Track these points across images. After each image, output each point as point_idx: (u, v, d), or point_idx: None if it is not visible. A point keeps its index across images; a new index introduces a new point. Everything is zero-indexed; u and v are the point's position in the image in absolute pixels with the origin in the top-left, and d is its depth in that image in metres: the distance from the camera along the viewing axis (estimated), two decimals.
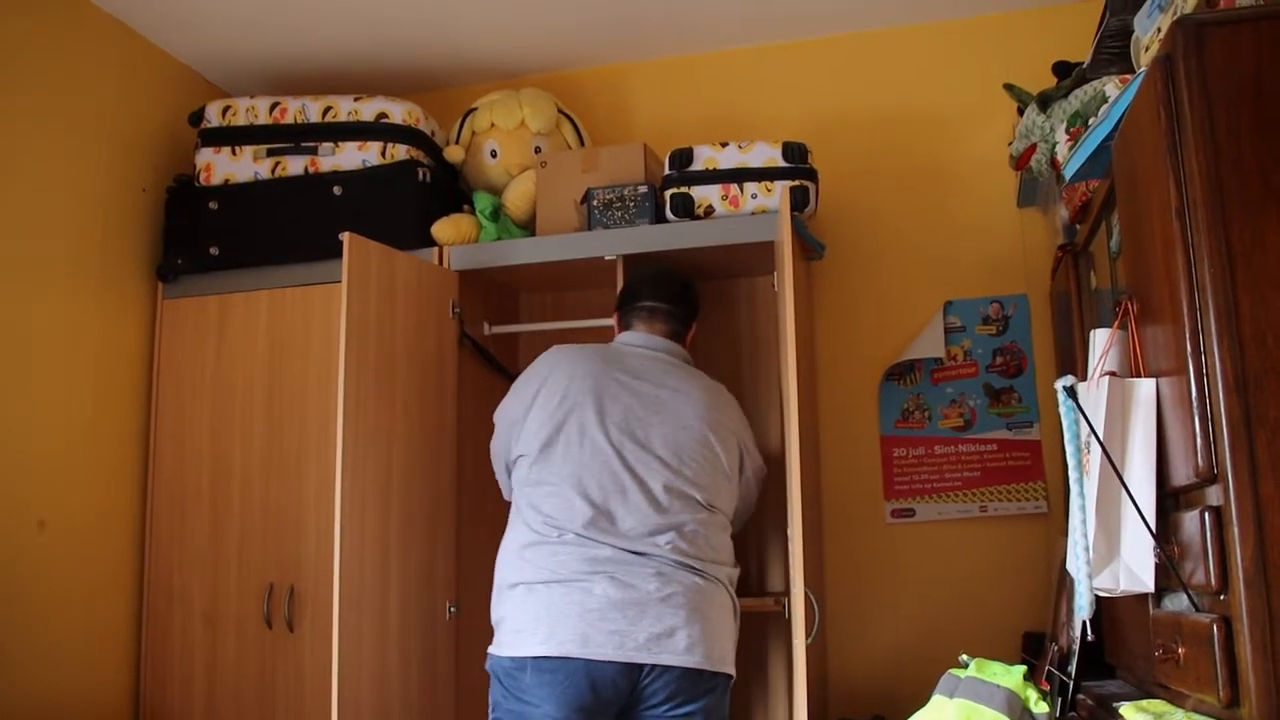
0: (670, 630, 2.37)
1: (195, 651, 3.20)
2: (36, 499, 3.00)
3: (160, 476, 3.33)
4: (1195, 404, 1.59)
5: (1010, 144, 2.85)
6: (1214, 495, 1.58)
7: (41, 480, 3.02)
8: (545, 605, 2.38)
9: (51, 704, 2.96)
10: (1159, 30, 1.90)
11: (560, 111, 3.50)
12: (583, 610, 2.35)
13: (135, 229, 3.42)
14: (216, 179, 3.41)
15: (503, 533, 2.60)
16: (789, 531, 2.68)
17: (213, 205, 3.40)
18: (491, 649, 2.48)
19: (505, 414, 2.72)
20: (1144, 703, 1.76)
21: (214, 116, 3.45)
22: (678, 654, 2.36)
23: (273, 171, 3.39)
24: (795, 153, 3.07)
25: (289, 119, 3.41)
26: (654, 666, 2.35)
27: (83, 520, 3.14)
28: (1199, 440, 1.59)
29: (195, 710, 3.17)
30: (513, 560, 2.50)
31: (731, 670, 2.48)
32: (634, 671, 2.34)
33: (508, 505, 2.80)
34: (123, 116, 3.38)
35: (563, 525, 2.45)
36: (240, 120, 3.43)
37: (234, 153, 3.42)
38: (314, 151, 3.37)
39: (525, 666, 2.35)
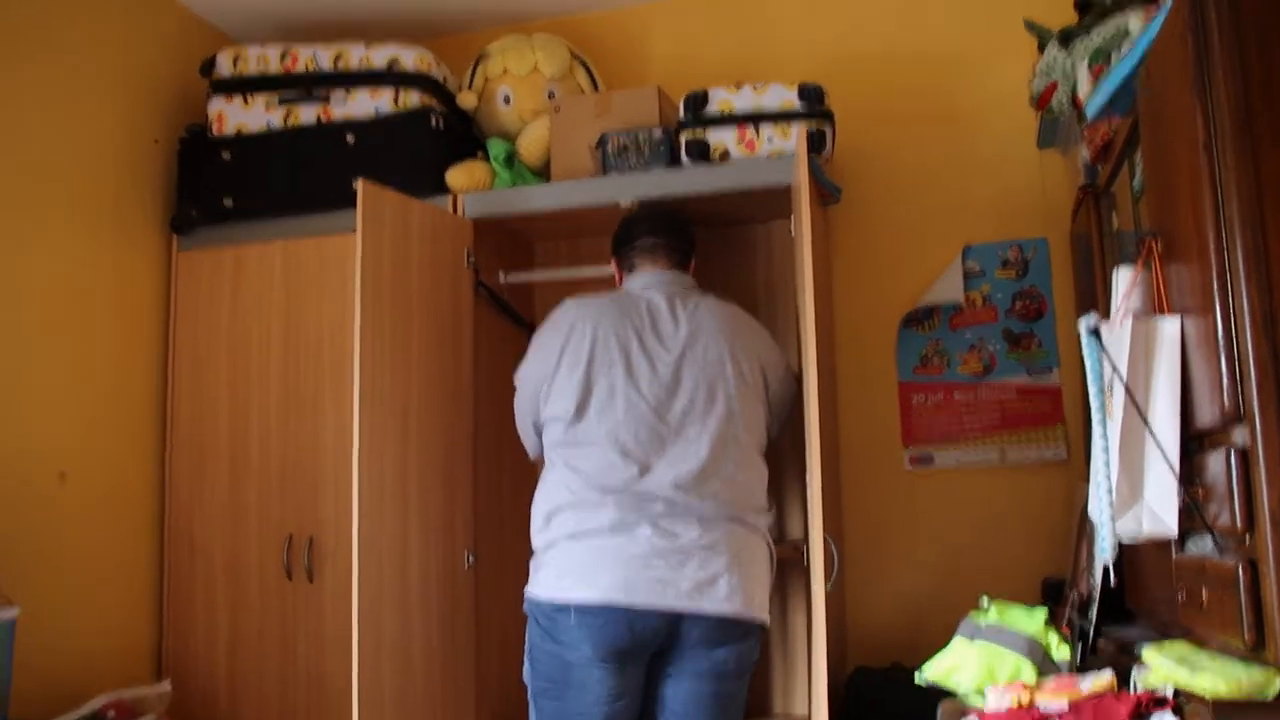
0: (713, 578, 2.37)
1: (217, 602, 3.22)
2: (57, 452, 3.01)
3: (179, 428, 3.34)
4: (1221, 343, 1.56)
5: (1031, 82, 2.79)
6: (1240, 436, 1.56)
7: (61, 433, 3.03)
8: (589, 551, 2.38)
9: (75, 654, 2.99)
10: None
11: (573, 56, 3.45)
12: (627, 557, 2.35)
13: (149, 180, 3.40)
14: (229, 129, 3.39)
15: (521, 482, 2.61)
16: (808, 479, 2.66)
17: (226, 155, 3.38)
18: (531, 590, 2.48)
19: (529, 375, 2.67)
20: (1166, 644, 1.74)
21: (225, 66, 3.42)
22: (718, 601, 2.37)
23: (285, 120, 3.36)
24: (811, 94, 3.01)
25: (300, 67, 3.37)
26: (695, 613, 2.35)
27: (103, 472, 3.15)
28: (1225, 380, 1.56)
29: (217, 659, 3.20)
30: (553, 514, 2.48)
31: (766, 619, 2.50)
32: (675, 618, 2.35)
33: (524, 453, 2.80)
34: (133, 66, 3.36)
35: (604, 485, 2.43)
36: (251, 69, 3.40)
37: (245, 102, 3.39)
38: (326, 100, 3.34)
39: (568, 611, 2.36)
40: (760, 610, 2.46)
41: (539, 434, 2.66)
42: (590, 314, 2.61)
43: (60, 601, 2.95)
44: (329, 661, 3.05)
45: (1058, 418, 3.20)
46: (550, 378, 2.58)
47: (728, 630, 2.39)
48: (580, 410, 2.51)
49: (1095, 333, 1.80)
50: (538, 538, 2.51)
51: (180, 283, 3.40)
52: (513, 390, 2.77)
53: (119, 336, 3.25)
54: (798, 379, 2.75)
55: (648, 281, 2.73)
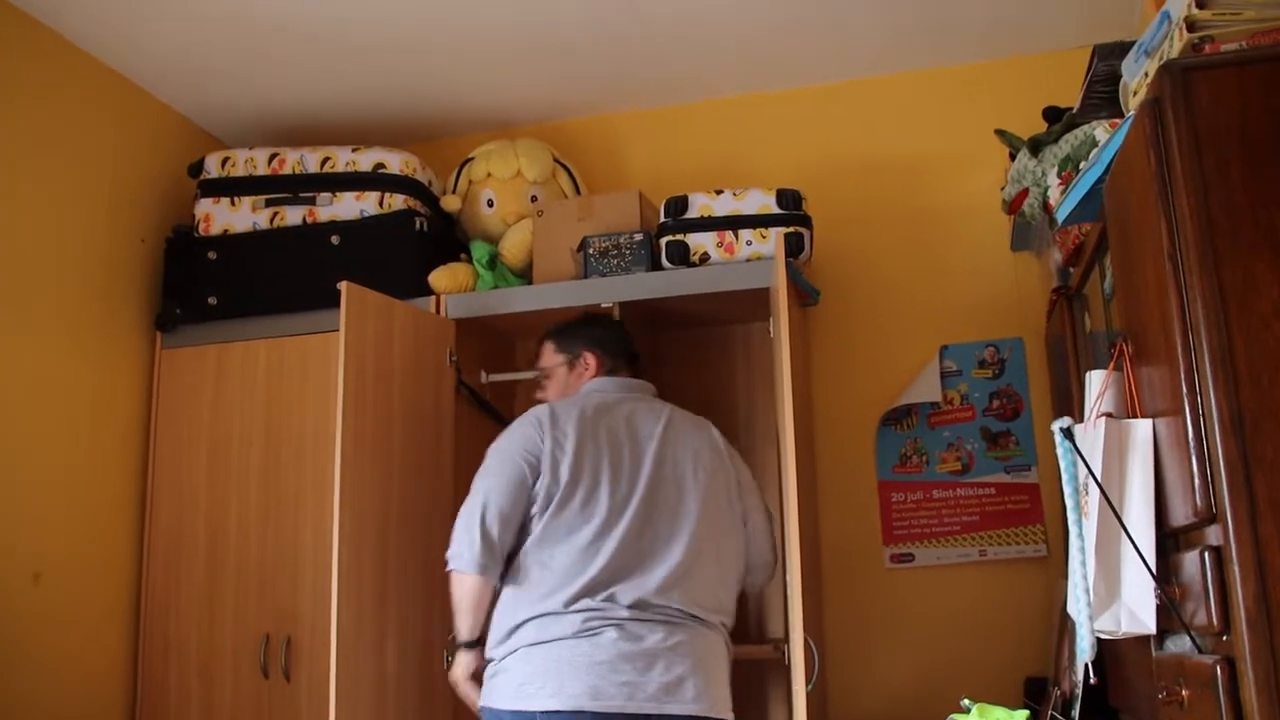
0: (679, 680, 2.35)
1: (191, 703, 3.17)
2: (32, 552, 2.98)
3: (157, 528, 3.32)
4: (1192, 444, 1.60)
5: (1003, 189, 2.87)
6: (1213, 535, 1.58)
7: (37, 532, 3.00)
8: (553, 658, 2.34)
9: None
10: (1146, 75, 1.92)
11: (556, 161, 3.52)
12: (591, 662, 2.32)
13: (134, 279, 3.43)
14: (215, 229, 3.44)
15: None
16: (787, 578, 2.67)
17: (211, 255, 3.42)
18: (489, 702, 2.41)
19: (508, 471, 2.52)
20: None
21: (213, 168, 3.48)
22: (685, 703, 2.34)
23: (271, 221, 3.41)
24: (789, 199, 3.09)
25: (287, 169, 3.43)
26: (663, 716, 2.32)
27: (78, 572, 3.13)
28: (1197, 480, 1.59)
29: None
30: (519, 619, 2.42)
31: (730, 715, 2.46)
32: None
33: None
34: (122, 167, 3.41)
35: (573, 588, 2.39)
36: (239, 171, 3.46)
37: (233, 203, 3.44)
38: (312, 202, 3.40)
39: None
40: (725, 709, 2.44)
41: (499, 535, 2.47)
42: (571, 416, 2.58)
43: (33, 702, 2.90)
44: None
45: (1037, 515, 3.22)
46: (531, 477, 2.51)
47: None
48: (560, 507, 2.47)
49: (1068, 434, 1.84)
50: (497, 648, 2.45)
51: (163, 380, 3.42)
52: None
53: (99, 432, 3.24)
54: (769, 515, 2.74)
55: (627, 388, 2.74)
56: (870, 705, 3.21)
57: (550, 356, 2.87)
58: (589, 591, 2.38)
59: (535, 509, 2.49)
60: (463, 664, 2.55)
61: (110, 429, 3.29)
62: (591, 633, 2.35)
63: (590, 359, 2.80)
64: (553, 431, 2.53)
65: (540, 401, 2.78)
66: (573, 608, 2.37)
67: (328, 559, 2.73)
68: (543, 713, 2.29)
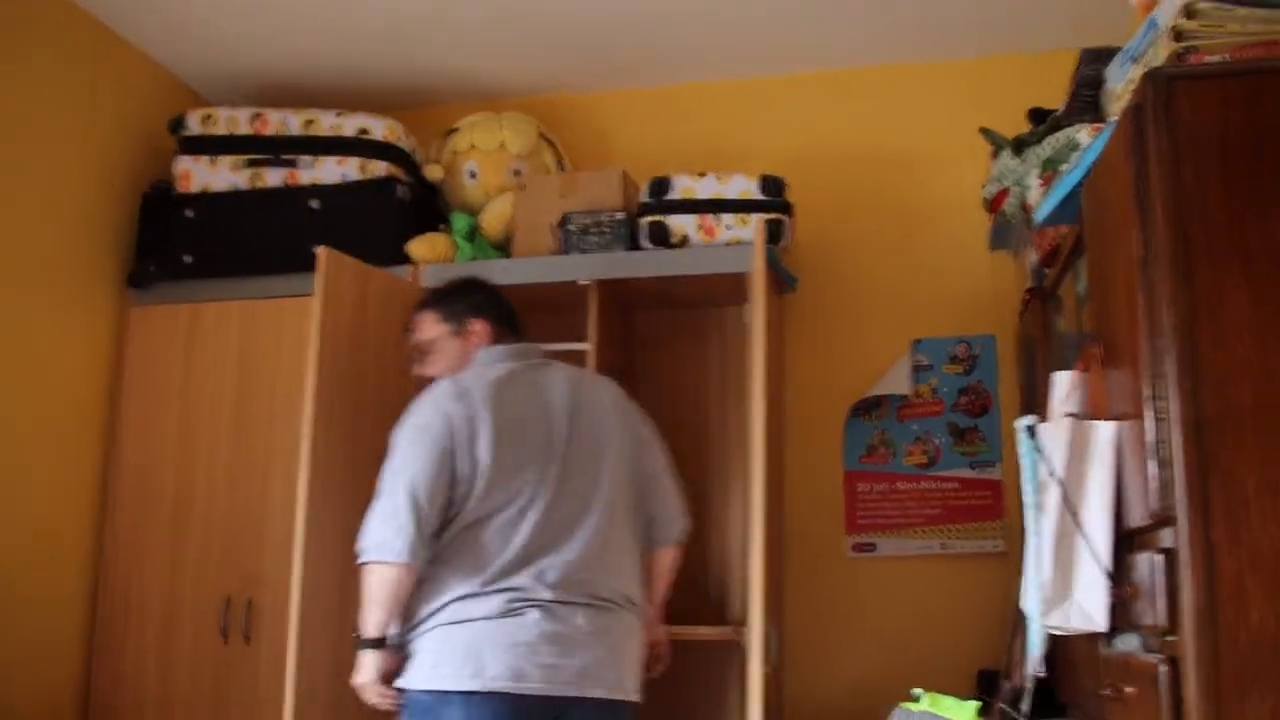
0: (599, 663, 2.33)
1: (149, 661, 3.17)
2: None
3: (121, 484, 3.30)
4: (1151, 448, 1.62)
5: (984, 187, 2.89)
6: (1167, 538, 1.61)
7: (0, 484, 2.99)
8: (474, 639, 2.27)
9: (1, 709, 2.92)
10: (1130, 81, 1.94)
11: (541, 135, 3.52)
12: (513, 643, 2.26)
13: (108, 233, 3.40)
14: (194, 187, 3.42)
15: None
16: (750, 561, 2.69)
17: (189, 213, 3.40)
18: (407, 681, 2.31)
19: (429, 451, 2.35)
20: None
21: (194, 124, 3.45)
22: (605, 687, 2.33)
23: (251, 182, 3.39)
24: (772, 186, 3.10)
25: (270, 131, 3.42)
26: (581, 699, 2.31)
27: (40, 524, 3.11)
28: (1153, 483, 1.62)
29: (145, 716, 3.14)
30: (440, 601, 2.33)
31: (639, 698, 2.45)
32: (561, 704, 2.29)
33: None
34: (100, 119, 3.37)
35: (496, 568, 2.31)
36: (221, 130, 3.44)
37: (213, 162, 3.42)
38: (293, 164, 3.38)
39: (451, 701, 2.25)
40: (636, 691, 2.43)
41: (429, 519, 2.32)
42: (481, 389, 2.44)
43: None
44: None
45: (999, 511, 3.25)
46: (453, 452, 2.36)
47: (611, 712, 2.35)
48: (483, 485, 2.35)
49: (1032, 432, 1.86)
50: (412, 630, 2.35)
51: (133, 337, 3.39)
52: None
53: (65, 387, 3.22)
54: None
55: (521, 353, 2.59)
56: (827, 690, 3.24)
57: (433, 327, 2.66)
58: (511, 570, 2.31)
59: (456, 489, 2.35)
60: (373, 665, 2.35)
61: (78, 383, 3.27)
62: (515, 613, 2.29)
63: (478, 326, 2.63)
64: (466, 408, 2.39)
65: (424, 377, 2.64)
66: (494, 587, 2.30)
67: (293, 524, 2.74)
68: (459, 693, 2.23)
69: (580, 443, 2.46)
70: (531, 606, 2.30)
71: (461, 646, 2.27)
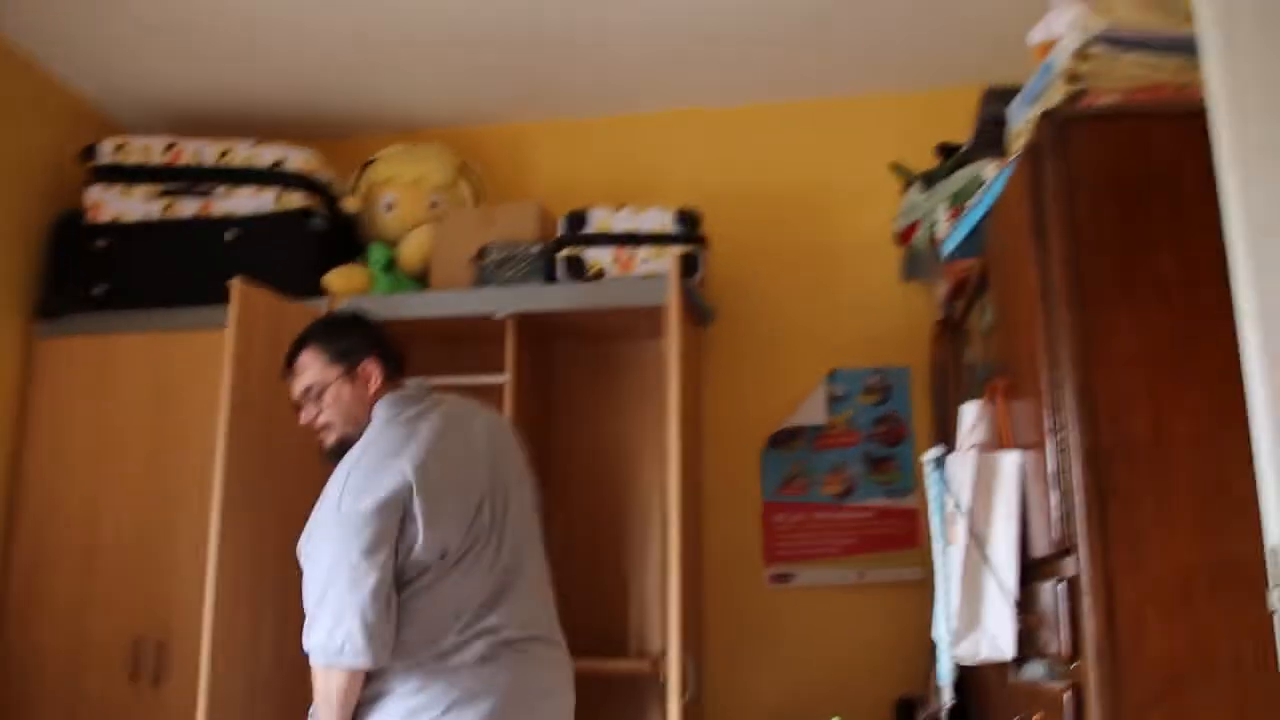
0: (563, 705, 2.33)
1: (55, 704, 3.08)
2: None
3: (25, 521, 3.21)
4: (1052, 477, 1.66)
5: (895, 220, 2.94)
6: (1069, 566, 1.65)
7: None
8: (451, 685, 2.16)
9: None
10: (1029, 120, 1.99)
11: (459, 168, 3.52)
12: (491, 687, 2.18)
13: (15, 263, 3.32)
14: (106, 217, 3.35)
15: None
16: (667, 593, 2.70)
17: (100, 243, 3.33)
18: None
19: (380, 531, 2.14)
20: None
21: (107, 153, 3.39)
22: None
23: (164, 213, 3.34)
24: (687, 220, 3.13)
25: (184, 160, 3.37)
26: None
27: None
28: (1054, 512, 1.66)
29: None
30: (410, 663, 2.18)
31: None
32: None
33: None
34: (9, 147, 3.30)
35: (463, 622, 2.20)
36: (134, 159, 3.38)
37: (125, 191, 3.36)
38: (208, 194, 3.34)
39: None
40: None
41: (391, 610, 2.14)
42: (415, 444, 2.26)
43: None
44: None
45: (915, 539, 3.29)
46: (404, 522, 2.18)
47: None
48: (439, 550, 2.19)
49: (939, 463, 1.90)
50: (377, 683, 2.18)
51: (39, 370, 3.31)
52: None
53: None
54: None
55: (423, 394, 2.42)
56: (749, 719, 3.25)
57: (322, 370, 2.39)
58: (478, 620, 2.21)
59: (410, 559, 2.17)
60: None
61: None
62: (491, 659, 2.19)
63: (371, 368, 2.39)
64: (412, 471, 2.19)
65: (314, 428, 2.40)
66: (467, 635, 2.19)
67: (205, 563, 2.69)
68: None
69: (510, 490, 2.37)
70: (505, 651, 2.22)
71: (441, 694, 2.14)
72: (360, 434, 2.32)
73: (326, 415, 2.38)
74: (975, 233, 2.33)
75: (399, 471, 2.18)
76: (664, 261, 3.07)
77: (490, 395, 3.01)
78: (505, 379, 3.09)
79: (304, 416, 2.42)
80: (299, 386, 2.42)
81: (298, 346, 2.44)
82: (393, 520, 2.15)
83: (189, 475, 3.11)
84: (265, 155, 3.35)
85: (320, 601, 2.12)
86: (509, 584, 2.28)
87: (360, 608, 2.08)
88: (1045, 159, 1.74)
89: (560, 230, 3.18)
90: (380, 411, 2.34)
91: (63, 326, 3.33)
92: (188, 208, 3.34)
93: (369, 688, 2.16)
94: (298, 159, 3.35)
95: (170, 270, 3.30)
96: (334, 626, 2.09)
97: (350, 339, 2.42)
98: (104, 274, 3.32)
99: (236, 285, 2.80)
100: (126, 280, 3.32)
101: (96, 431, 3.23)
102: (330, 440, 2.39)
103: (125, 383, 3.24)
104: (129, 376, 3.24)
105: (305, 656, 2.18)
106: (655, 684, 3.13)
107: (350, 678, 2.11)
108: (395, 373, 2.43)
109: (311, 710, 2.24)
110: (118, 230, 3.35)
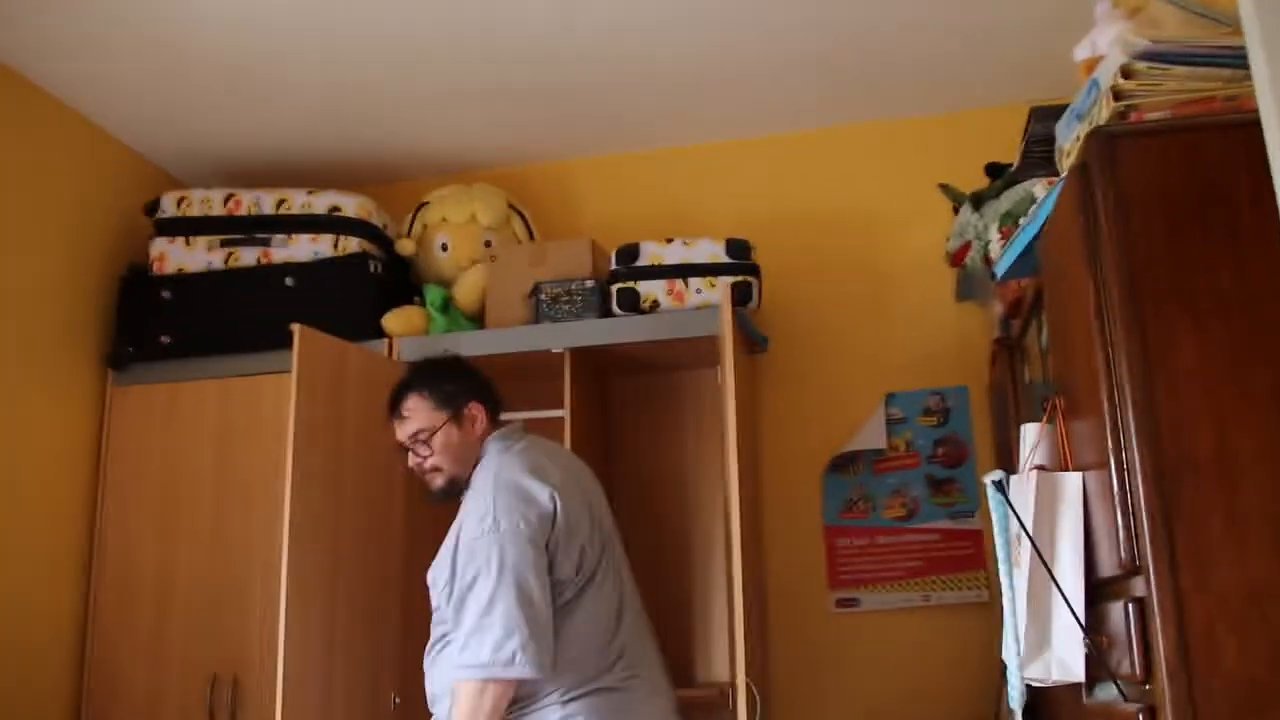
0: None
1: None
2: None
3: (106, 563, 3.30)
4: (1117, 497, 1.65)
5: (947, 241, 2.94)
6: (1138, 586, 1.63)
7: None
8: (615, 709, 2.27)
9: None
10: (1077, 138, 1.99)
11: (510, 206, 3.56)
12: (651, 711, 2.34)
13: (87, 317, 3.43)
14: (170, 268, 3.44)
15: None
16: (733, 620, 2.70)
17: (165, 294, 3.42)
18: None
19: (531, 553, 2.22)
20: None
21: (169, 207, 3.49)
22: None
23: (226, 262, 3.42)
24: (738, 249, 3.15)
25: (243, 211, 3.46)
26: None
27: (25, 608, 3.10)
28: (1121, 532, 1.64)
29: None
30: (564, 685, 2.26)
31: None
32: None
33: None
34: (78, 205, 3.41)
35: (611, 655, 2.31)
36: (195, 211, 3.47)
37: (188, 243, 3.45)
38: (267, 243, 3.42)
39: None
40: None
41: (546, 620, 2.20)
42: (550, 475, 2.36)
43: None
44: None
45: (980, 561, 3.27)
46: (559, 525, 2.28)
47: None
48: (582, 576, 2.30)
49: (1000, 486, 1.89)
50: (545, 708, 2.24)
51: (114, 418, 3.41)
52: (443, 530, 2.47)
53: (48, 469, 3.23)
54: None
55: (525, 434, 2.53)
56: None
57: (428, 414, 2.46)
58: (613, 644, 2.31)
59: (554, 577, 2.25)
60: None
61: (60, 465, 3.28)
62: (634, 679, 2.32)
63: (476, 411, 2.49)
64: (554, 491, 2.28)
65: (422, 471, 2.47)
66: (608, 660, 2.29)
67: (276, 602, 2.73)
68: None
69: (612, 526, 2.48)
70: (643, 682, 2.32)
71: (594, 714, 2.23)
72: (467, 475, 2.41)
73: (436, 460, 2.44)
74: (1028, 252, 2.31)
75: (542, 492, 2.27)
76: (717, 291, 3.09)
77: (550, 429, 3.04)
78: (564, 413, 3.12)
79: (412, 460, 2.47)
80: (406, 431, 2.47)
81: (402, 391, 2.49)
82: (545, 537, 2.23)
83: (258, 516, 3.17)
84: (320, 202, 3.42)
85: (485, 615, 2.15)
86: (625, 609, 2.37)
87: (532, 619, 2.13)
88: (1095, 177, 1.73)
89: (612, 264, 3.21)
90: (494, 445, 2.43)
91: (133, 376, 3.43)
92: (248, 256, 3.43)
93: (514, 710, 2.20)
94: (352, 205, 3.42)
95: (233, 318, 3.38)
96: (504, 638, 2.12)
97: (454, 383, 2.49)
98: (170, 323, 3.41)
99: (298, 330, 2.85)
100: (191, 329, 3.40)
101: (168, 475, 3.30)
102: (439, 483, 2.46)
103: (193, 428, 3.32)
104: (197, 421, 3.32)
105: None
106: (724, 712, 3.12)
107: (507, 691, 2.14)
108: (496, 413, 2.52)
109: None
110: (181, 280, 3.44)
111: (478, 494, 2.32)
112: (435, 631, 2.36)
